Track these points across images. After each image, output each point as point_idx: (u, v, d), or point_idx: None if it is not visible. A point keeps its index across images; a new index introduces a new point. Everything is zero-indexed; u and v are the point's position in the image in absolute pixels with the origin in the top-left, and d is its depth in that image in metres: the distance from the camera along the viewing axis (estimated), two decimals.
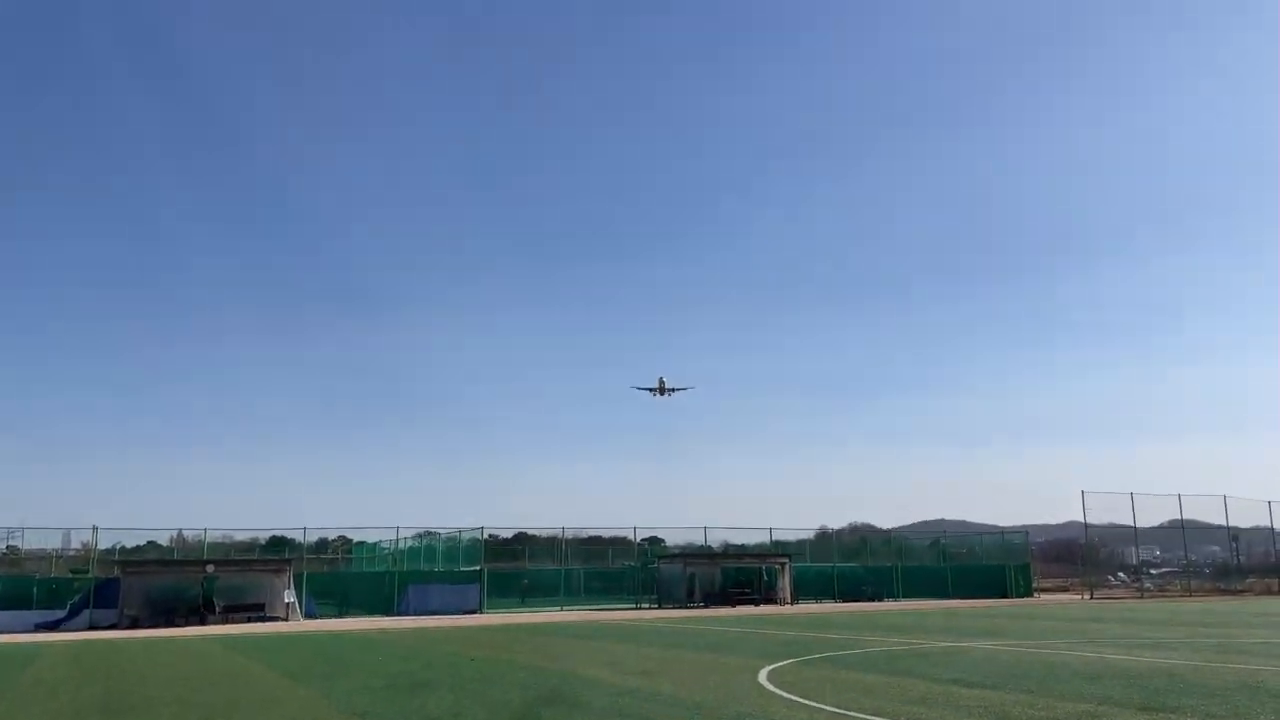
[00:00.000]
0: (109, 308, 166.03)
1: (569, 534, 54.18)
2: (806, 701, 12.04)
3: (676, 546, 56.23)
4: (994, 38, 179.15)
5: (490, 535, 50.93)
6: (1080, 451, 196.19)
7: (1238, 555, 64.59)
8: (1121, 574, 64.92)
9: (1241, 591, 58.75)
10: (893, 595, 54.18)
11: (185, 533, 51.93)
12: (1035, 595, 56.93)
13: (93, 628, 37.36)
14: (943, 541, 65.58)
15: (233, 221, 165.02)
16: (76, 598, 38.53)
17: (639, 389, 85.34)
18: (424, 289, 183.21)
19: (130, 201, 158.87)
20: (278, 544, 58.42)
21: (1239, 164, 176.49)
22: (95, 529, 45.87)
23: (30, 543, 50.74)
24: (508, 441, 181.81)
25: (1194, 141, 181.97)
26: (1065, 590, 64.13)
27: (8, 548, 53.63)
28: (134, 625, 37.60)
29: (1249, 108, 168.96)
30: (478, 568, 47.38)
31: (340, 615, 42.49)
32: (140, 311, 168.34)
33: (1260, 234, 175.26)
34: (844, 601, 51.61)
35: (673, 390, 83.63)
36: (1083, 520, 55.22)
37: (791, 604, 49.55)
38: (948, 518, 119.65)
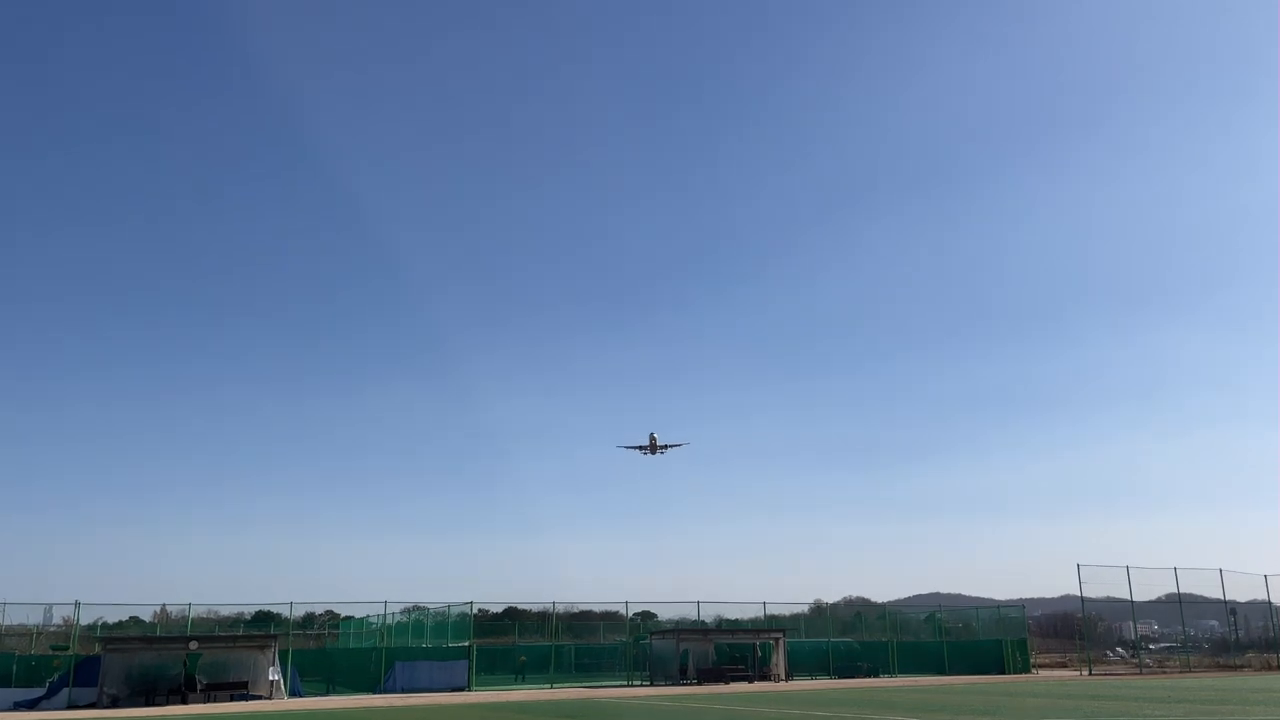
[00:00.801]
0: (86, 387, 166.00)
1: (560, 609, 53.44)
2: None
3: (669, 621, 55.39)
4: (985, 120, 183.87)
5: (480, 610, 50.26)
6: (1076, 524, 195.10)
7: (1236, 630, 63.90)
8: (1120, 649, 64.07)
9: (1240, 667, 57.97)
10: (888, 671, 53.32)
11: (169, 608, 51.07)
12: (1033, 671, 56.07)
13: (71, 706, 36.48)
14: (939, 616, 64.79)
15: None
16: (56, 676, 37.68)
17: (626, 448, 79.14)
18: (408, 356, 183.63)
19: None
20: (263, 619, 57.35)
21: (1233, 238, 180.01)
22: (77, 604, 45.07)
23: (11, 618, 49.80)
24: (500, 515, 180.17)
25: (1188, 219, 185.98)
26: (1063, 666, 63.17)
27: None
28: (114, 704, 36.72)
29: (1238, 186, 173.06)
30: (466, 644, 46.59)
31: (326, 693, 41.59)
32: (121, 391, 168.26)
33: (1252, 306, 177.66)
34: (839, 678, 50.74)
35: (665, 447, 77.55)
36: (1079, 594, 54.70)
37: (786, 680, 48.69)
38: (943, 591, 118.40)
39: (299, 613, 53.79)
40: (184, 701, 37.45)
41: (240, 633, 51.19)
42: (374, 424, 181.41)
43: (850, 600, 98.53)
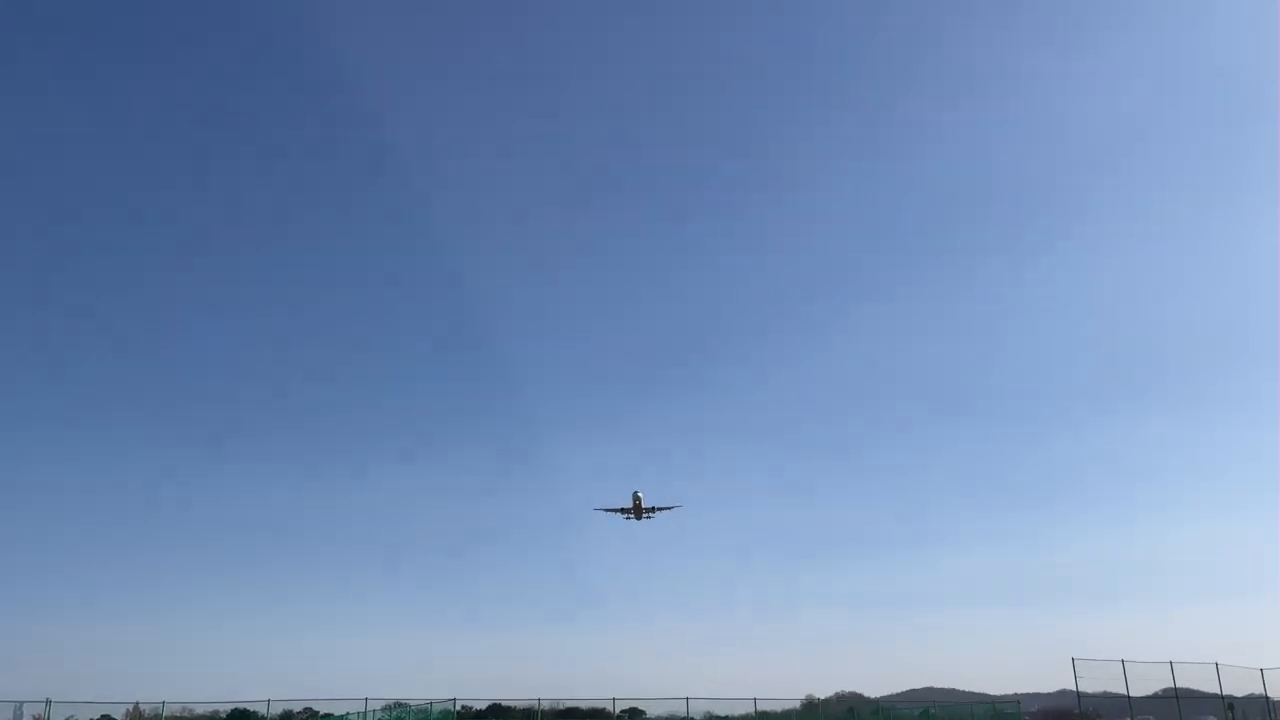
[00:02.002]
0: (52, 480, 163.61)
1: (545, 705, 52.11)
2: None
3: (657, 718, 54.03)
4: (978, 200, 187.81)
5: (463, 706, 48.98)
6: (1071, 615, 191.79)
7: None
8: None
9: None
10: None
11: (142, 706, 49.60)
12: None
13: None
14: (933, 712, 63.41)
15: None
16: None
17: (606, 511, 70.84)
18: (394, 449, 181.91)
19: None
20: (240, 717, 55.66)
21: (1231, 327, 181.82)
22: (49, 702, 43.84)
23: None
24: (484, 606, 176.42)
25: (1188, 305, 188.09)
26: None
27: None
28: None
29: (1239, 277, 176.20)
30: None
31: None
32: (91, 483, 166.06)
33: (1249, 394, 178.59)
34: None
35: (653, 510, 70.12)
36: (1075, 689, 53.69)
37: None
38: (937, 685, 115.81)
39: (276, 710, 52.25)
40: None
41: None
42: (360, 513, 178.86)
43: (842, 695, 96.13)
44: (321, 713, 62.28)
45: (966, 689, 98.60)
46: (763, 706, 53.62)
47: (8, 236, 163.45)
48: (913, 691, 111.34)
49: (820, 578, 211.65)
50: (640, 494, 70.02)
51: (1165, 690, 58.20)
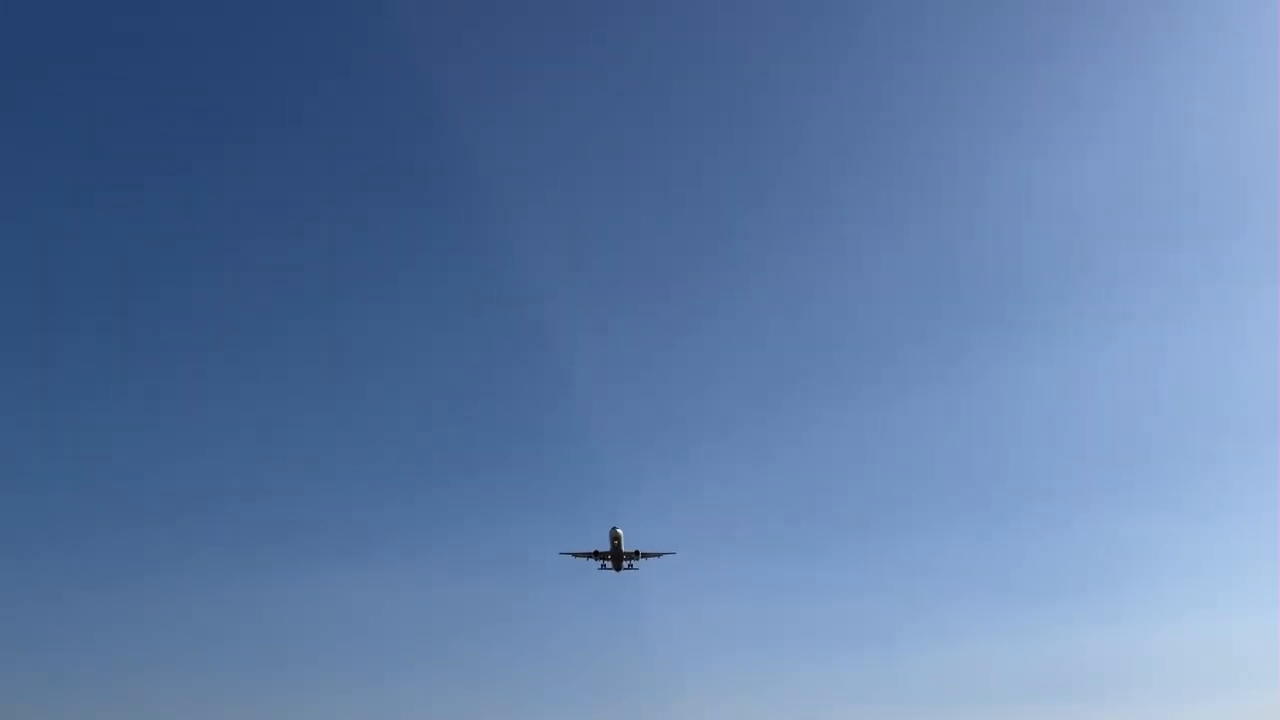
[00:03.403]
0: None
1: None
2: None
3: None
4: (961, 293, 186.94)
5: None
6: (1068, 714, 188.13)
7: None
8: None
9: None
10: None
11: None
12: None
13: None
14: None
15: None
16: None
17: (575, 556, 56.42)
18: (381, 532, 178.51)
19: None
20: None
21: (1219, 422, 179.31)
22: None
23: None
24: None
25: (1175, 396, 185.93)
26: None
27: None
28: None
29: (1219, 369, 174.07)
30: None
31: None
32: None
33: (1235, 490, 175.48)
34: None
35: (636, 557, 55.96)
36: None
37: None
38: None
39: None
40: None
41: None
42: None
43: None
44: None
45: None
46: None
47: None
48: None
49: (806, 669, 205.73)
50: (620, 532, 56.37)
51: None
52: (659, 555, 57.75)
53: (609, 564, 58.99)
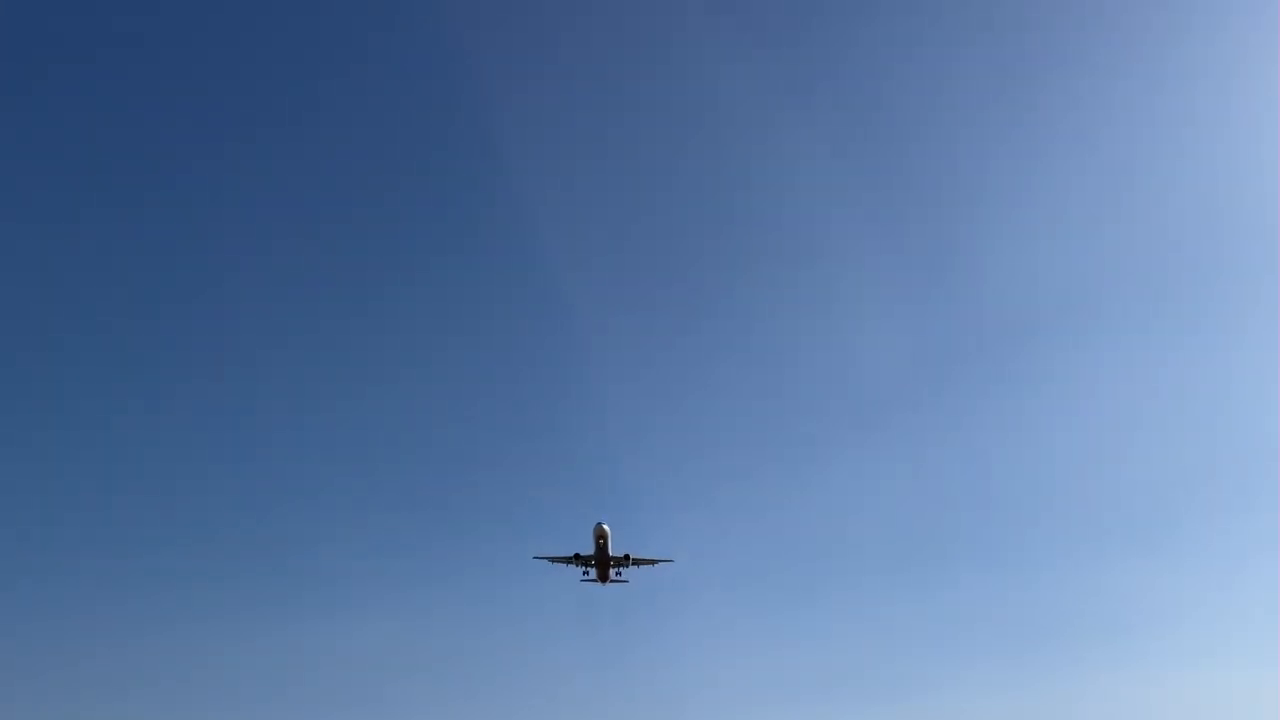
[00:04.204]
0: None
1: None
2: None
3: None
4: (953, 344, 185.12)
5: None
6: None
7: None
8: None
9: None
10: None
11: None
12: None
13: None
14: None
15: None
16: None
17: (551, 560, 45.41)
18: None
19: None
20: None
21: (1218, 470, 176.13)
22: None
23: None
24: None
25: (1173, 442, 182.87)
26: None
27: None
28: None
29: (1215, 424, 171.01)
30: None
31: None
32: None
33: (1226, 538, 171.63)
34: None
35: (625, 563, 44.51)
36: None
37: None
38: None
39: None
40: None
41: None
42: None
43: None
44: None
45: None
46: None
47: None
48: None
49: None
50: (607, 530, 45.96)
51: None
52: (654, 563, 48.74)
53: (592, 571, 50.53)
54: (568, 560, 49.59)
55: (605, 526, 49.46)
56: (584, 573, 52.50)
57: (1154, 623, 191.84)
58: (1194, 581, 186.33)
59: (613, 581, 49.15)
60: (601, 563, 50.98)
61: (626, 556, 48.75)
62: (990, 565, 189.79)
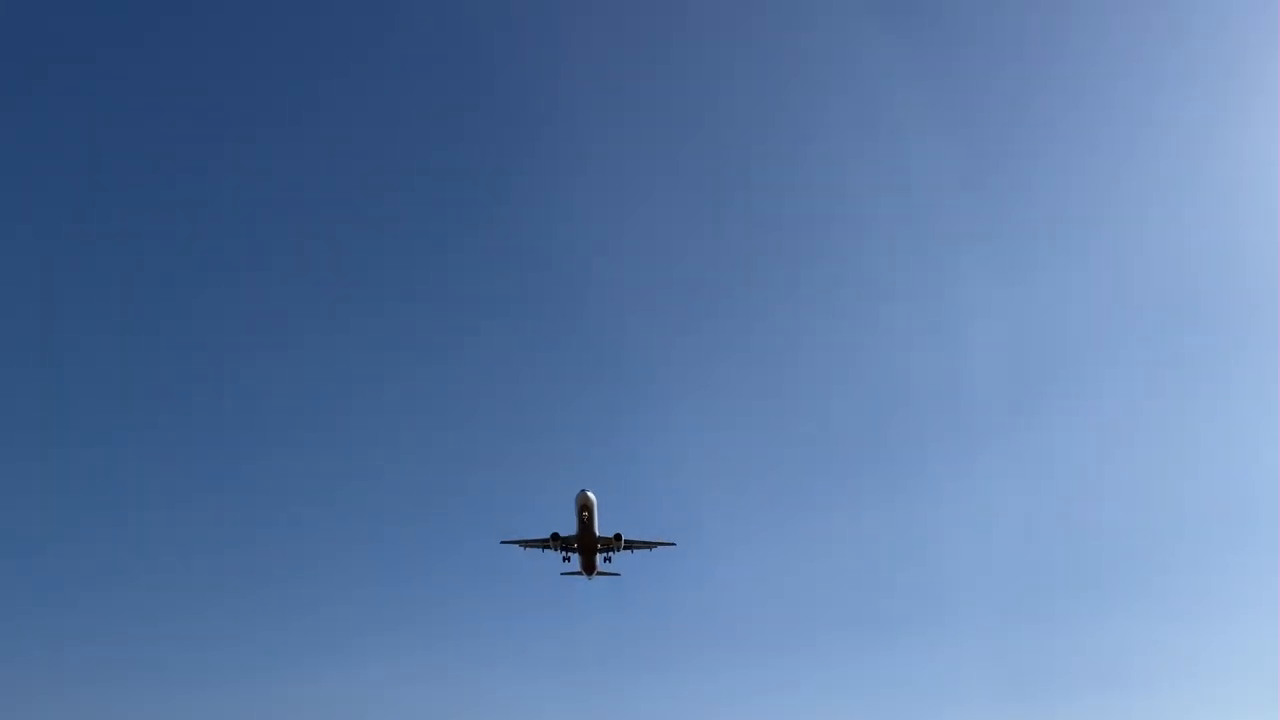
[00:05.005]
0: None
1: None
2: None
3: None
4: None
5: None
6: None
7: None
8: None
9: None
10: None
11: None
12: None
13: None
14: None
15: None
16: None
17: (521, 545, 37.55)
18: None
19: None
20: None
21: (1219, 521, 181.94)
22: None
23: None
24: None
25: (1176, 493, 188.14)
26: None
27: None
28: None
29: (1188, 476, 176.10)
30: None
31: None
32: None
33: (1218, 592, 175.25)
34: None
35: (618, 547, 37.17)
36: None
37: None
38: None
39: None
40: None
41: None
42: None
43: None
44: None
45: None
46: None
47: None
48: None
49: None
50: (593, 499, 38.40)
51: None
52: (651, 546, 39.96)
53: (574, 558, 39.71)
54: (543, 544, 40.03)
55: (590, 495, 41.37)
56: (564, 558, 40.95)
57: (1154, 675, 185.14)
58: (1197, 634, 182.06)
59: (601, 573, 39.15)
60: (586, 546, 40.13)
61: (617, 537, 41.13)
62: (990, 617, 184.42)
